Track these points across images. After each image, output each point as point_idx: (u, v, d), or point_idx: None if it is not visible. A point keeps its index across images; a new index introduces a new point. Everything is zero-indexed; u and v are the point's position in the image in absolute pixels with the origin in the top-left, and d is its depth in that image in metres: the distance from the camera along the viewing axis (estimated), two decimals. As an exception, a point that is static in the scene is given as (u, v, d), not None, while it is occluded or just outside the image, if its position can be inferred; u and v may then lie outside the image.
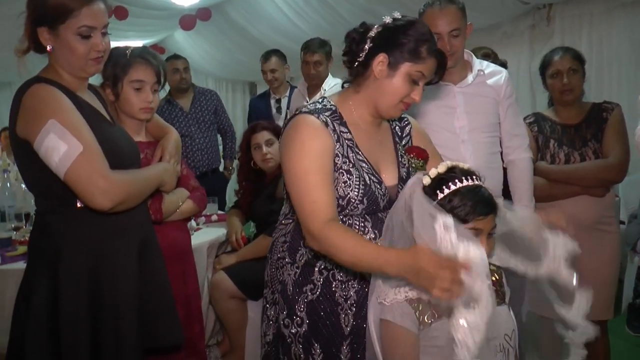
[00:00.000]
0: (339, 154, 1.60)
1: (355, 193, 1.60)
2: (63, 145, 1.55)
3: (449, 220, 1.33)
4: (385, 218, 1.58)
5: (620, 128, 2.46)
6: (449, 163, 1.51)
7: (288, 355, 1.71)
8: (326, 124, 1.60)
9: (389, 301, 1.45)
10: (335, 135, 1.60)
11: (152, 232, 1.87)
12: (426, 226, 1.37)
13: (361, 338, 1.63)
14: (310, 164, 1.55)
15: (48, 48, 1.67)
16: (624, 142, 2.45)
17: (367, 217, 1.64)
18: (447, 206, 1.42)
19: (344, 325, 1.65)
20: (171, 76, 4.20)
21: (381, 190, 1.65)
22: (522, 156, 2.28)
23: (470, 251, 1.30)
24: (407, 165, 1.74)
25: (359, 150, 1.65)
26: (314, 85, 4.05)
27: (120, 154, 1.76)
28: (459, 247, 1.29)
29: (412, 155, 1.76)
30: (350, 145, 1.63)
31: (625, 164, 2.43)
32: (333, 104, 1.67)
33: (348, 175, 1.61)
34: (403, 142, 1.79)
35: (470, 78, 2.21)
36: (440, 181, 1.46)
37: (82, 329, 1.64)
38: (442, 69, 1.65)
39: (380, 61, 1.60)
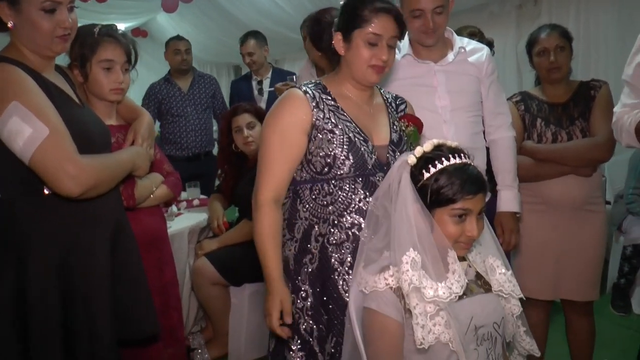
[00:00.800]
0: (319, 118, 1.66)
1: (340, 150, 1.64)
2: (27, 129, 1.47)
3: (418, 257, 1.34)
4: (377, 180, 1.65)
5: (608, 106, 2.40)
6: (435, 141, 1.46)
7: (298, 333, 1.70)
8: (305, 92, 1.68)
9: (369, 289, 1.41)
10: (315, 102, 1.67)
11: (124, 219, 1.80)
12: (403, 232, 1.37)
13: None
14: (275, 134, 1.66)
15: (9, 25, 1.58)
16: (611, 120, 2.40)
17: (357, 180, 1.66)
18: (433, 186, 1.38)
19: (343, 292, 1.65)
20: (173, 57, 4.25)
21: (367, 147, 1.67)
22: (505, 135, 2.23)
23: (439, 291, 1.32)
24: (399, 130, 1.78)
25: (344, 113, 1.70)
26: None
27: (90, 138, 1.68)
28: (421, 285, 1.32)
29: (404, 121, 1.79)
30: (333, 109, 1.69)
31: (612, 143, 2.37)
32: (319, 80, 1.75)
33: (331, 134, 1.65)
34: (397, 113, 1.83)
35: (451, 56, 2.15)
36: (426, 160, 1.42)
37: (53, 322, 1.57)
38: (400, 24, 1.69)
39: (337, 40, 1.71)
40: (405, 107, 1.86)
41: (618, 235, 3.73)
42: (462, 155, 1.43)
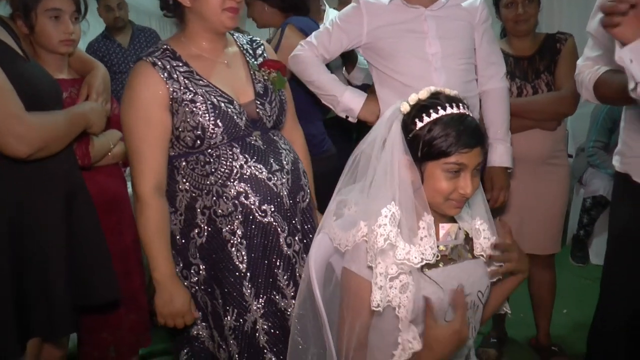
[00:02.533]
0: (176, 90, 1.54)
1: (206, 118, 1.53)
2: None
3: (398, 212, 1.24)
4: (254, 141, 1.57)
5: (573, 59, 2.35)
6: (432, 88, 1.34)
7: (198, 306, 1.64)
8: (154, 64, 1.54)
9: (343, 247, 1.32)
10: (166, 73, 1.54)
11: (79, 180, 1.70)
12: (385, 184, 1.27)
13: (260, 275, 1.58)
14: (136, 116, 1.54)
15: None
16: None
17: (234, 144, 1.57)
18: (426, 136, 1.26)
19: (238, 263, 1.57)
20: (105, 14, 4.01)
21: (234, 108, 1.57)
22: (498, 86, 2.11)
23: (411, 254, 1.24)
24: (262, 80, 1.67)
25: (201, 77, 1.58)
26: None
27: (38, 94, 1.57)
28: (397, 243, 1.23)
29: (264, 69, 1.68)
30: (188, 76, 1.56)
31: (577, 97, 2.34)
32: (166, 44, 1.61)
33: (193, 105, 1.53)
34: (257, 62, 1.71)
35: (442, 0, 2.01)
36: (420, 108, 1.29)
37: (3, 289, 1.48)
38: None
39: None
40: (264, 49, 1.75)
41: (579, 187, 3.79)
42: (460, 105, 1.30)
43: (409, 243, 1.26)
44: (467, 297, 1.32)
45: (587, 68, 1.79)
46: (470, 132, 1.27)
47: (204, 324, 1.66)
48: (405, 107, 1.31)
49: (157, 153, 1.55)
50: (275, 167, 1.60)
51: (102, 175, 2.00)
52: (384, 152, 1.30)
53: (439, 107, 1.28)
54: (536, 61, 2.41)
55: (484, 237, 1.39)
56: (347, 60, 2.53)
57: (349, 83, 2.43)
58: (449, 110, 1.28)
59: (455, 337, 1.22)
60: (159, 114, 1.53)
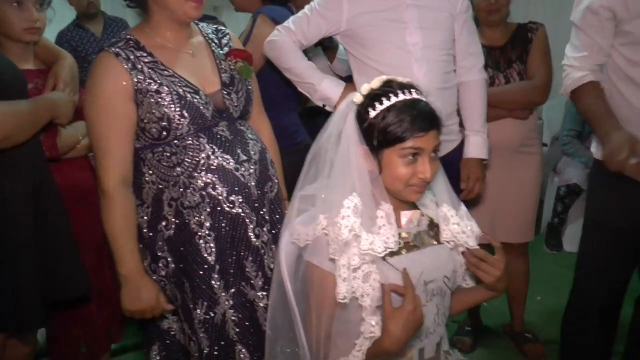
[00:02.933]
0: (140, 80, 1.50)
1: (172, 109, 1.50)
2: None
3: (360, 204, 1.24)
4: (221, 131, 1.55)
5: (545, 49, 2.39)
6: (384, 77, 1.34)
7: (168, 299, 1.61)
8: (117, 55, 1.50)
9: (302, 242, 1.31)
10: (130, 64, 1.50)
11: (46, 172, 1.66)
12: (344, 176, 1.27)
13: (229, 267, 1.56)
14: (99, 108, 1.50)
15: None
16: (548, 63, 2.39)
17: (200, 134, 1.54)
18: (380, 124, 1.26)
19: (206, 255, 1.55)
20: (77, 1, 3.90)
21: (200, 99, 1.54)
22: (476, 77, 2.09)
23: (375, 244, 1.23)
24: (228, 70, 1.65)
25: (166, 67, 1.54)
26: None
27: (0, 84, 1.51)
28: (360, 234, 1.23)
29: (230, 58, 1.65)
30: (152, 66, 1.53)
31: (549, 85, 2.38)
32: (129, 35, 1.57)
33: (158, 95, 1.50)
34: (223, 51, 1.68)
35: None
36: (373, 97, 1.29)
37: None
38: None
39: None
40: (229, 38, 1.72)
41: (553, 176, 3.83)
42: (412, 90, 1.30)
43: (369, 233, 1.25)
44: (432, 283, 1.33)
45: (570, 74, 1.84)
46: (425, 116, 1.27)
47: (174, 317, 1.63)
48: (359, 98, 1.31)
49: (123, 146, 1.52)
50: (243, 157, 1.58)
51: (71, 167, 1.95)
52: (340, 144, 1.29)
53: (391, 94, 1.28)
54: (508, 51, 2.41)
55: (453, 222, 1.38)
56: (327, 50, 2.49)
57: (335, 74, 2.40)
58: (401, 97, 1.28)
59: (411, 317, 1.21)
60: (123, 106, 1.50)
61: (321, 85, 1.96)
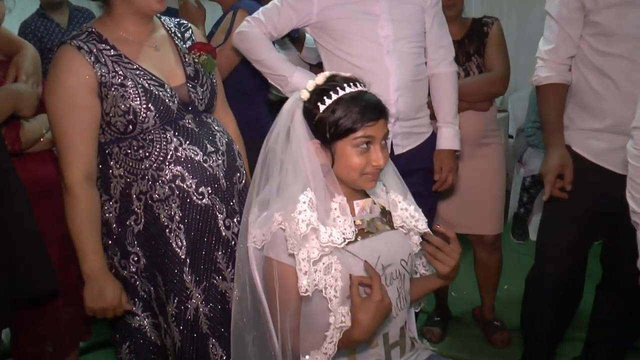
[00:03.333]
0: (104, 74, 1.48)
1: (137, 102, 1.49)
2: None
3: (315, 198, 1.28)
4: (187, 124, 1.54)
5: (501, 41, 2.45)
6: (327, 73, 1.39)
7: (137, 296, 1.61)
8: (79, 48, 1.48)
9: (259, 243, 1.35)
10: (92, 57, 1.48)
11: (8, 166, 1.59)
12: (297, 172, 1.31)
13: (200, 260, 1.56)
14: (62, 103, 1.47)
15: None
16: (505, 55, 2.45)
17: (167, 127, 1.53)
18: (330, 118, 1.31)
19: (177, 249, 1.54)
20: None
21: (166, 92, 1.53)
22: (446, 70, 2.11)
23: (333, 236, 1.27)
24: (192, 63, 1.64)
25: (130, 60, 1.53)
26: None
27: None
28: (319, 227, 1.26)
29: (194, 52, 1.65)
30: (116, 60, 1.51)
31: (507, 77, 2.44)
32: (91, 27, 1.55)
33: (123, 89, 1.48)
34: (186, 45, 1.67)
35: None
36: (320, 92, 1.34)
37: None
38: None
39: None
40: (192, 32, 1.71)
41: (519, 167, 3.90)
42: (357, 83, 1.36)
43: (326, 225, 1.29)
44: (390, 267, 1.37)
45: (541, 67, 1.93)
46: (373, 106, 1.33)
47: (145, 313, 1.60)
48: (305, 94, 1.35)
49: (86, 141, 1.49)
50: (210, 148, 1.57)
51: (35, 161, 1.87)
52: (290, 142, 1.33)
53: (338, 88, 1.33)
54: (466, 45, 2.45)
55: (401, 207, 1.43)
56: (294, 41, 2.47)
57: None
58: (347, 90, 1.33)
59: (380, 307, 1.24)
60: (86, 100, 1.47)
61: (293, 78, 1.95)
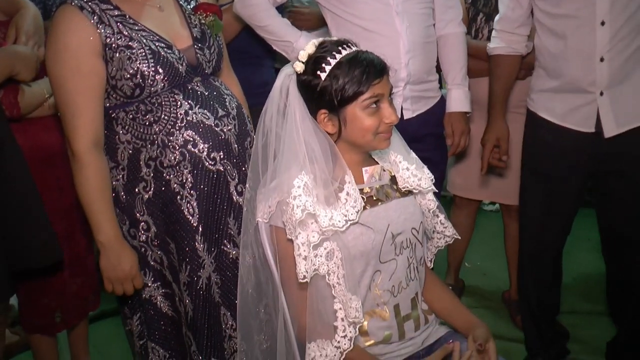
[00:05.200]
0: (109, 35, 1.39)
1: (146, 65, 1.40)
2: None
3: (311, 181, 1.22)
4: (196, 87, 1.47)
5: None
6: (314, 41, 1.32)
7: (148, 266, 1.52)
8: (81, 8, 1.38)
9: (265, 217, 1.29)
10: (96, 17, 1.38)
11: (6, 132, 1.47)
12: (292, 154, 1.25)
13: (212, 227, 1.50)
14: (65, 66, 1.36)
15: None
16: None
17: (175, 90, 1.45)
18: (334, 84, 1.25)
19: (189, 216, 1.47)
20: None
21: (174, 54, 1.45)
22: (455, 30, 2.00)
23: (334, 219, 1.21)
24: (199, 25, 1.55)
25: (135, 21, 1.43)
26: None
27: None
28: (316, 212, 1.20)
29: (200, 13, 1.56)
30: (121, 20, 1.42)
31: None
32: None
33: (129, 51, 1.39)
34: (191, 6, 1.59)
35: None
36: (316, 60, 1.27)
37: None
38: None
39: None
40: None
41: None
42: (349, 44, 1.29)
43: (328, 208, 1.23)
44: (400, 235, 1.31)
45: (493, 37, 1.98)
46: (374, 64, 1.27)
47: (156, 284, 1.53)
48: (300, 66, 1.29)
49: (92, 105, 1.39)
50: (221, 112, 1.48)
51: (37, 127, 1.77)
52: (286, 122, 1.28)
53: (334, 53, 1.27)
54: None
55: (402, 167, 1.37)
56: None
57: None
58: (344, 53, 1.27)
59: None
60: (90, 63, 1.37)
61: (298, 43, 1.85)
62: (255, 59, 2.16)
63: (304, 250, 1.20)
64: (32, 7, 1.74)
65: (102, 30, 1.37)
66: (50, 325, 1.88)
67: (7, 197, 1.43)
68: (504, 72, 1.96)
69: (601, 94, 1.74)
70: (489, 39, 2.23)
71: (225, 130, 1.48)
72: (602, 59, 1.71)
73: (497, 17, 1.95)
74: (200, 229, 1.47)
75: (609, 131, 1.75)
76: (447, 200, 2.64)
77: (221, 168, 1.48)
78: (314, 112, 1.28)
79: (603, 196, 1.91)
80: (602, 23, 1.70)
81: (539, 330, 2.10)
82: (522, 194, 2.04)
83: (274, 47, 1.93)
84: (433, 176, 1.42)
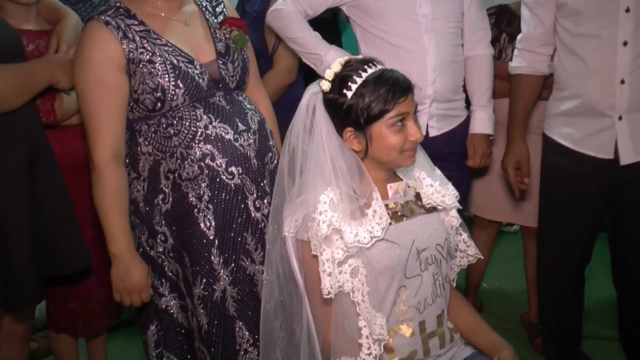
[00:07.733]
0: (132, 50, 1.39)
1: (166, 79, 1.39)
2: None
3: (337, 197, 1.21)
4: (218, 101, 1.46)
5: None
6: (340, 60, 1.31)
7: (165, 276, 1.51)
8: (107, 23, 1.39)
9: (292, 231, 1.28)
10: (121, 32, 1.39)
11: (43, 140, 1.48)
12: (319, 170, 1.24)
13: (228, 241, 1.47)
14: (89, 80, 1.37)
15: None
16: None
17: (196, 104, 1.44)
18: (360, 103, 1.24)
19: (205, 230, 1.45)
20: None
21: (195, 69, 1.44)
22: (483, 52, 1.99)
23: (360, 235, 1.19)
24: (223, 39, 1.54)
25: (158, 36, 1.43)
26: None
27: None
28: (342, 228, 1.19)
29: (225, 27, 1.54)
30: (145, 35, 1.42)
31: None
32: (119, 3, 1.45)
33: (151, 65, 1.39)
34: (218, 20, 1.57)
35: None
36: (343, 79, 1.27)
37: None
38: None
39: None
40: (224, 6, 1.60)
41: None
42: (374, 62, 1.29)
43: (354, 223, 1.21)
44: (425, 251, 1.29)
45: (515, 56, 1.91)
46: (400, 82, 1.26)
47: (173, 294, 1.51)
48: (326, 85, 1.28)
49: (114, 119, 1.40)
50: (242, 127, 1.46)
51: (71, 135, 1.74)
52: (314, 138, 1.27)
53: (360, 71, 1.26)
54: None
55: (426, 184, 1.36)
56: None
57: None
58: (370, 71, 1.26)
59: None
60: (114, 77, 1.38)
61: (328, 56, 1.84)
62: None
63: (329, 267, 1.18)
64: (74, 16, 1.74)
65: (126, 45, 1.38)
66: (74, 330, 1.85)
67: (41, 204, 1.43)
68: (525, 92, 1.89)
69: (620, 118, 1.67)
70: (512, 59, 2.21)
71: (244, 145, 1.46)
72: (622, 81, 1.64)
73: (519, 36, 1.90)
74: (217, 243, 1.46)
75: (626, 158, 1.69)
76: (466, 220, 2.58)
77: (239, 182, 1.46)
78: (340, 130, 1.27)
79: (615, 222, 1.84)
80: (625, 43, 1.64)
81: (560, 357, 2.02)
82: (540, 218, 1.98)
83: (304, 60, 1.93)
84: (457, 193, 1.39)
